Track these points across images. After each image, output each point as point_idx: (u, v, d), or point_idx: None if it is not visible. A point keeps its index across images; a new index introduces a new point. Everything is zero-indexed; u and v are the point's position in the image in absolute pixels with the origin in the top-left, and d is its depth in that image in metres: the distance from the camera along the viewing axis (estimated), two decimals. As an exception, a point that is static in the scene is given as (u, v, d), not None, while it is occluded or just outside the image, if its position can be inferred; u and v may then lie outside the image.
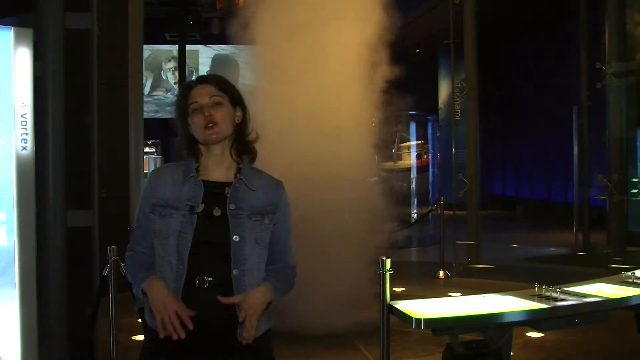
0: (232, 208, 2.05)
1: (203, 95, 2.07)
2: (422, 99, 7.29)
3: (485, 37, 11.34)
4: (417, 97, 6.58)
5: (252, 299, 1.99)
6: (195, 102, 2.07)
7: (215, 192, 2.07)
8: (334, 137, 5.80)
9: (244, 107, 2.15)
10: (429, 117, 17.45)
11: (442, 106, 18.71)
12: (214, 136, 2.06)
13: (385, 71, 6.05)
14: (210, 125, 2.04)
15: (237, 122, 2.12)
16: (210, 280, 1.99)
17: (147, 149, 15.03)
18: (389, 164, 15.68)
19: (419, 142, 16.82)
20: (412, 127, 16.74)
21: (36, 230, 3.61)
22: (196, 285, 1.99)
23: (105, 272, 3.75)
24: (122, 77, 7.45)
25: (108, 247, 3.75)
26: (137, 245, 2.14)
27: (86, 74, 4.32)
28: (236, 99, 2.13)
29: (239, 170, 2.12)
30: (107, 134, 6.01)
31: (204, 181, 2.08)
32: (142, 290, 2.03)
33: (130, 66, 7.57)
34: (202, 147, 2.12)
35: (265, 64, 6.19)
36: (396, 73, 6.08)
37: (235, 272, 2.01)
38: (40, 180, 3.78)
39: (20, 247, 3.46)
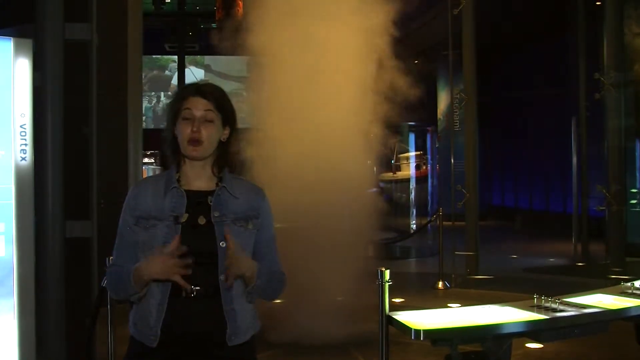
0: (216, 215, 2.05)
1: (198, 107, 2.05)
2: (421, 110, 7.28)
3: (484, 48, 11.37)
4: (416, 108, 6.58)
5: (241, 257, 2.00)
6: (188, 109, 2.05)
7: (198, 201, 2.07)
8: (333, 148, 5.80)
9: (233, 127, 2.14)
10: (428, 128, 17.50)
11: (441, 117, 18.75)
12: (195, 154, 2.06)
13: (385, 82, 6.06)
14: (195, 142, 2.04)
15: (222, 140, 2.11)
16: (198, 289, 1.98)
17: (146, 160, 15.05)
18: (388, 175, 15.72)
19: (418, 152, 16.86)
20: (411, 137, 16.78)
21: (35, 240, 3.61)
22: (183, 295, 1.98)
23: (104, 283, 3.73)
24: (122, 88, 7.46)
25: (107, 258, 3.73)
26: (120, 258, 2.12)
27: (85, 84, 4.33)
28: (228, 119, 2.12)
29: (220, 179, 2.12)
30: (106, 144, 6.00)
31: (186, 191, 2.08)
32: (133, 278, 2.00)
33: (130, 77, 7.58)
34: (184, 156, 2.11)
35: (265, 74, 6.20)
36: (396, 84, 6.09)
37: (222, 277, 1.99)
38: (39, 190, 3.78)
39: (18, 258, 3.46)
